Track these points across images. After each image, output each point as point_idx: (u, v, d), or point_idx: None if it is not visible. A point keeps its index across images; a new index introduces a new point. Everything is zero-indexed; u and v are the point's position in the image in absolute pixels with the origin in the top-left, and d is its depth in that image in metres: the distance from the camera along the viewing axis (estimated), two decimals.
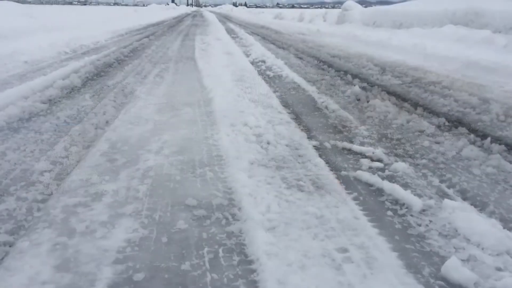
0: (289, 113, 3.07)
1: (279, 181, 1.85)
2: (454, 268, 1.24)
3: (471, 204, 1.68)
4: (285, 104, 3.33)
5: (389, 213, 1.61)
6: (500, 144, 2.36)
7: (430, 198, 1.73)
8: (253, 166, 2.00)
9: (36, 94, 3.36)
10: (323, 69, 5.13)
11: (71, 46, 6.85)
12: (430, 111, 3.14)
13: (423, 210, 1.62)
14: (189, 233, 1.44)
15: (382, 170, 2.03)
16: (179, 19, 20.55)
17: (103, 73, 4.69)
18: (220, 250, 1.35)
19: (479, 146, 2.36)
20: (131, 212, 1.57)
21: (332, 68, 5.17)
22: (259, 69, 5.09)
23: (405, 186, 1.85)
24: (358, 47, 7.32)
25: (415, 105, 3.29)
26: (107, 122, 2.79)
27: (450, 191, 1.83)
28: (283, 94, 3.76)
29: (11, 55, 5.30)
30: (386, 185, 1.80)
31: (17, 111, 2.87)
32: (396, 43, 7.22)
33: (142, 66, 5.16)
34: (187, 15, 29.04)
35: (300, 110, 3.20)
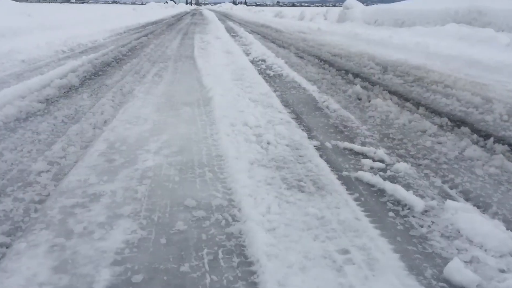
0: (289, 112, 3.05)
1: (280, 181, 1.84)
2: (456, 269, 1.23)
3: (474, 205, 1.67)
4: (286, 104, 3.32)
5: (391, 214, 1.60)
6: (503, 144, 2.35)
7: (433, 199, 1.72)
8: (253, 167, 1.98)
9: (33, 93, 3.34)
10: (324, 68, 5.11)
11: (68, 45, 6.82)
12: (432, 110, 3.12)
13: (425, 211, 1.61)
14: (188, 234, 1.43)
15: (384, 170, 2.01)
16: (178, 18, 20.52)
17: (101, 72, 4.67)
18: (220, 252, 1.34)
19: (482, 146, 2.35)
20: (129, 213, 1.56)
21: (333, 67, 5.15)
22: (259, 68, 5.07)
23: (407, 186, 1.83)
24: (359, 45, 7.29)
25: (417, 104, 3.27)
26: (105, 121, 2.78)
27: (453, 192, 1.81)
28: (284, 93, 3.74)
29: (8, 53, 5.28)
30: (388, 185, 1.79)
31: (14, 111, 2.86)
32: (398, 41, 7.18)
33: (141, 65, 5.14)
34: (186, 13, 28.99)
35: (301, 109, 3.18)
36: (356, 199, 1.70)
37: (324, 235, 1.41)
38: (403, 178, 1.92)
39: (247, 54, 6.28)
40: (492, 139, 2.39)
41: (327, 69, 5.02)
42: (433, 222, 1.53)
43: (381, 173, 1.97)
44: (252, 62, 5.52)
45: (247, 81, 4.05)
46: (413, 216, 1.58)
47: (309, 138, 2.45)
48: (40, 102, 3.18)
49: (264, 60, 5.67)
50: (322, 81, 4.29)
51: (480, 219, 1.50)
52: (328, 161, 2.10)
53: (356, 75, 4.55)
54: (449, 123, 2.80)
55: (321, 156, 2.17)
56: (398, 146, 2.37)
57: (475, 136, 2.52)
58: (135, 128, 2.60)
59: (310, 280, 1.19)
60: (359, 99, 3.46)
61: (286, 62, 5.36)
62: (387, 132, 2.62)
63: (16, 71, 4.49)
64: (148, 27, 12.50)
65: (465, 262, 1.30)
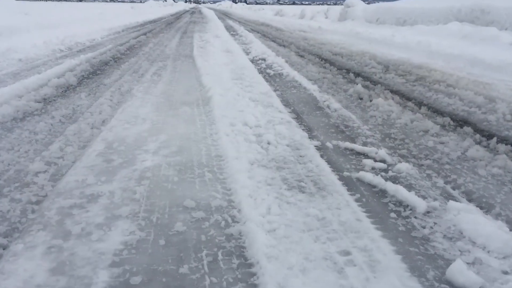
0: (290, 112, 3.03)
1: (280, 182, 1.82)
2: (459, 271, 1.22)
3: (477, 206, 1.66)
4: (286, 103, 3.30)
5: (393, 215, 1.58)
6: (506, 144, 2.33)
7: (435, 199, 1.71)
8: (253, 167, 1.97)
9: (30, 93, 3.32)
10: (324, 67, 5.08)
11: (66, 43, 6.79)
12: (435, 110, 3.10)
13: (428, 212, 1.60)
14: (187, 236, 1.42)
15: (386, 170, 2.00)
16: (177, 16, 20.46)
17: (99, 71, 4.64)
18: (219, 253, 1.32)
19: (485, 146, 2.33)
20: (128, 214, 1.54)
21: (334, 66, 5.13)
22: (259, 67, 5.04)
23: (409, 187, 1.82)
24: (360, 44, 7.26)
25: (419, 104, 3.25)
26: (103, 121, 2.76)
27: (455, 193, 1.80)
28: (284, 93, 3.72)
29: (5, 53, 5.25)
30: (390, 186, 1.78)
31: (11, 110, 2.83)
32: (400, 40, 7.14)
33: (139, 64, 5.11)
34: (185, 12, 28.95)
35: (301, 109, 3.16)
36: (357, 200, 1.69)
37: (325, 236, 1.40)
38: (405, 179, 1.91)
39: (247, 53, 6.25)
40: (495, 139, 2.38)
41: (328, 68, 5.00)
42: (435, 223, 1.52)
43: (383, 173, 1.96)
44: (252, 61, 5.49)
45: (247, 81, 4.02)
46: (415, 217, 1.56)
47: (309, 138, 2.44)
48: (38, 102, 3.16)
49: (264, 59, 5.64)
50: (323, 80, 4.27)
51: (483, 220, 1.49)
52: (329, 162, 2.09)
53: (357, 74, 4.52)
54: (452, 122, 2.78)
55: (322, 156, 2.15)
56: (400, 146, 2.35)
57: (478, 136, 2.50)
58: (134, 128, 2.58)
59: (310, 282, 1.18)
60: (361, 99, 3.44)
61: (286, 61, 5.34)
62: (389, 132, 2.60)
63: (13, 70, 4.46)
64: (146, 26, 12.45)
65: (467, 263, 1.29)
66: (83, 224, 1.46)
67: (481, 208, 1.64)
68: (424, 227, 1.49)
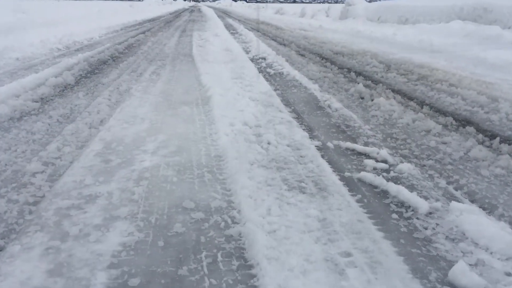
0: (290, 112, 3.01)
1: (280, 182, 1.81)
2: (461, 273, 1.21)
3: (480, 207, 1.65)
4: (286, 103, 3.28)
5: (394, 216, 1.57)
6: (509, 144, 2.31)
7: (437, 200, 1.69)
8: (253, 167, 1.95)
9: (27, 92, 3.31)
10: (325, 67, 5.06)
11: (63, 42, 6.77)
12: (437, 110, 3.08)
13: (430, 213, 1.59)
14: (186, 237, 1.41)
15: (387, 171, 1.98)
16: (176, 15, 20.41)
17: (97, 70, 4.63)
18: (219, 254, 1.31)
19: (487, 147, 2.31)
20: (126, 215, 1.53)
21: (335, 65, 5.10)
22: (259, 66, 5.02)
23: (411, 188, 1.80)
24: (362, 43, 7.23)
25: (421, 103, 3.24)
26: (101, 121, 2.75)
27: (458, 193, 1.78)
28: (284, 92, 3.70)
29: (1, 52, 5.24)
30: (391, 186, 1.76)
31: (8, 110, 2.82)
32: (402, 39, 7.12)
33: (138, 63, 5.10)
34: (185, 10, 28.94)
35: (302, 109, 3.14)
36: (358, 201, 1.67)
37: (326, 237, 1.39)
38: (407, 179, 1.89)
39: (247, 52, 6.23)
40: (498, 139, 2.36)
41: (328, 67, 4.97)
42: (437, 224, 1.51)
43: (384, 174, 1.94)
44: (252, 60, 5.46)
45: (247, 80, 4.00)
46: (417, 218, 1.55)
47: (310, 138, 2.42)
48: (35, 101, 3.15)
49: (264, 58, 5.62)
50: (323, 79, 4.25)
51: (485, 221, 1.48)
52: (330, 162, 2.07)
53: (358, 74, 4.50)
54: (454, 122, 2.76)
55: (322, 156, 2.14)
56: (401, 146, 2.34)
57: (480, 136, 2.48)
58: (132, 127, 2.57)
59: (311, 284, 1.17)
60: (362, 98, 3.42)
61: (287, 60, 5.32)
62: (391, 132, 2.58)
63: (10, 70, 4.45)
64: (145, 24, 12.41)
65: (470, 265, 1.28)
66: (81, 225, 1.45)
67: (483, 209, 1.63)
68: (426, 228, 1.48)
